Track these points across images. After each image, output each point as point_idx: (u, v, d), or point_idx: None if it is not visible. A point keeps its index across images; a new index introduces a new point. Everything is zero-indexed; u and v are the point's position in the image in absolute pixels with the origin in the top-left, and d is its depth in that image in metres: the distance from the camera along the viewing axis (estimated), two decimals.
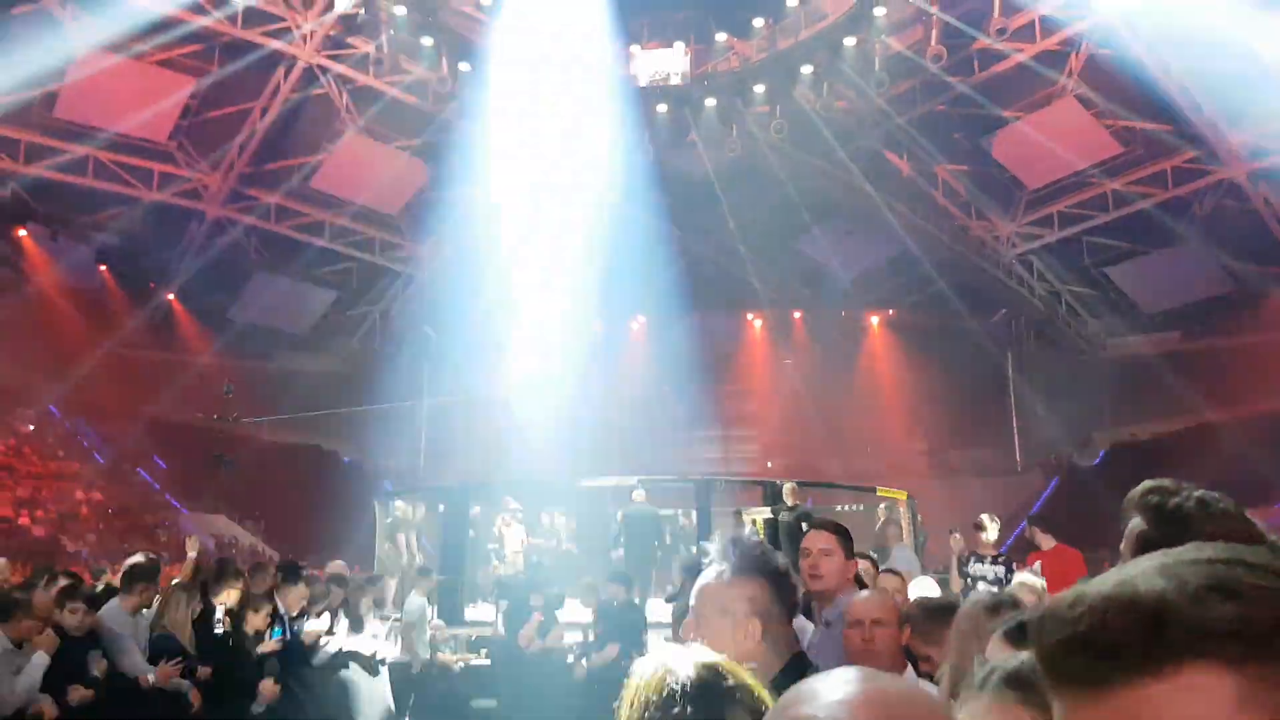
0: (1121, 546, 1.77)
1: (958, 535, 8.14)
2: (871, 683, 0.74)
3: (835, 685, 0.74)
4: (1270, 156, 21.04)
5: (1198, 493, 1.51)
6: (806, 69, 21.56)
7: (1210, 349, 24.88)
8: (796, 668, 1.97)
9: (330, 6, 21.56)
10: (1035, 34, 20.19)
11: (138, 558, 7.08)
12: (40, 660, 4.95)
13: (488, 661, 10.21)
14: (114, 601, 6.41)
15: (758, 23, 20.87)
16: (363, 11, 21.43)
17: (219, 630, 6.88)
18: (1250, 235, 22.60)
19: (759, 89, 22.28)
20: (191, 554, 8.86)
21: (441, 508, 13.27)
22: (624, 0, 20.21)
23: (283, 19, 21.64)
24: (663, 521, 12.95)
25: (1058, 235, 25.52)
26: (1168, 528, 1.45)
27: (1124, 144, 22.46)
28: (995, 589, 6.61)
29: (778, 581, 2.11)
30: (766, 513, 11.64)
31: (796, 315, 31.05)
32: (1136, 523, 1.53)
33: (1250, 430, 22.41)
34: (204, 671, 6.30)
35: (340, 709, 7.69)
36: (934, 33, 19.68)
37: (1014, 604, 2.65)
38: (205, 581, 7.36)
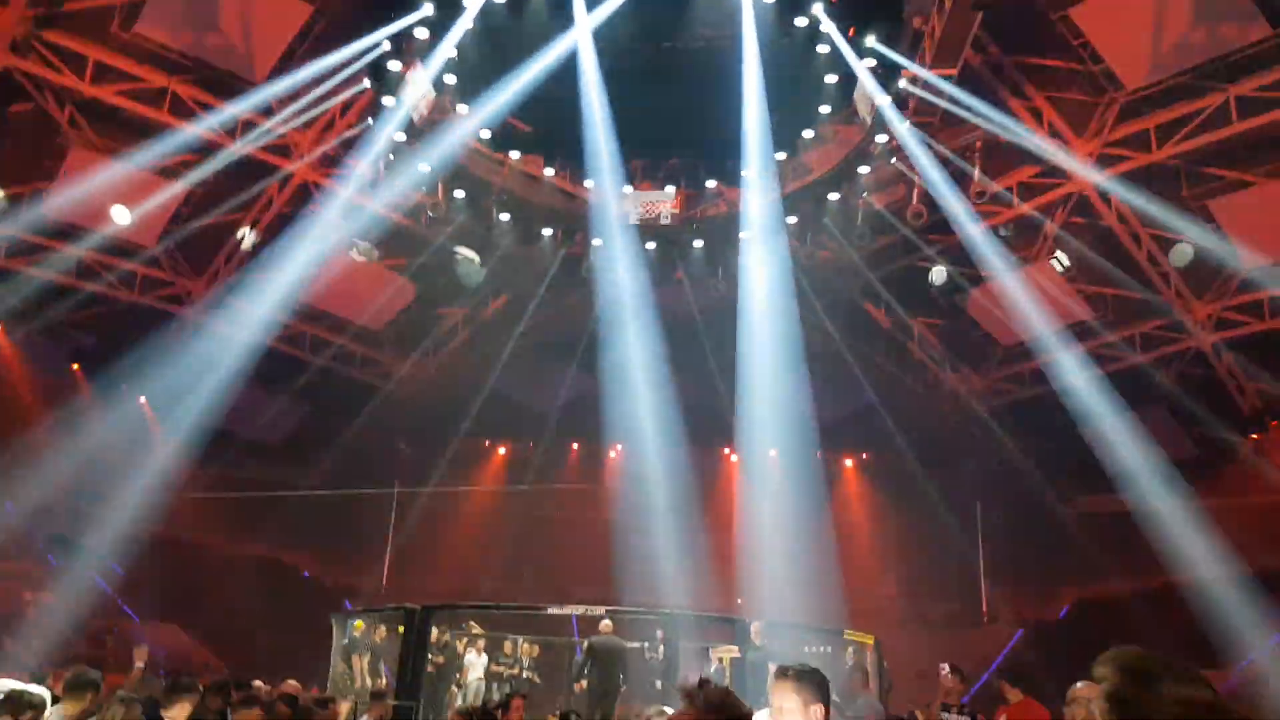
0: (1091, 701, 1.85)
1: (946, 673, 8.12)
2: None
3: None
4: (1235, 328, 21.89)
5: (1162, 658, 1.60)
6: (791, 219, 22.42)
7: (1168, 511, 25.12)
8: None
9: (331, 125, 22.26)
10: (1013, 199, 21.19)
11: (82, 669, 6.89)
12: None
13: None
14: (55, 710, 6.18)
15: (747, 174, 21.78)
16: (361, 133, 22.12)
17: None
18: (1215, 402, 23.25)
19: (745, 235, 23.07)
20: (139, 664, 8.59)
21: (400, 629, 12.92)
22: (620, 138, 21.04)
23: (283, 135, 22.25)
24: (629, 653, 12.68)
25: (1030, 392, 26.09)
26: (1135, 687, 1.54)
27: (1095, 309, 23.28)
28: None
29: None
30: (735, 651, 11.46)
31: (772, 454, 31.18)
32: (1107, 681, 1.62)
33: (1207, 593, 22.62)
34: None
35: None
36: (914, 193, 20.61)
37: None
38: (153, 695, 7.13)
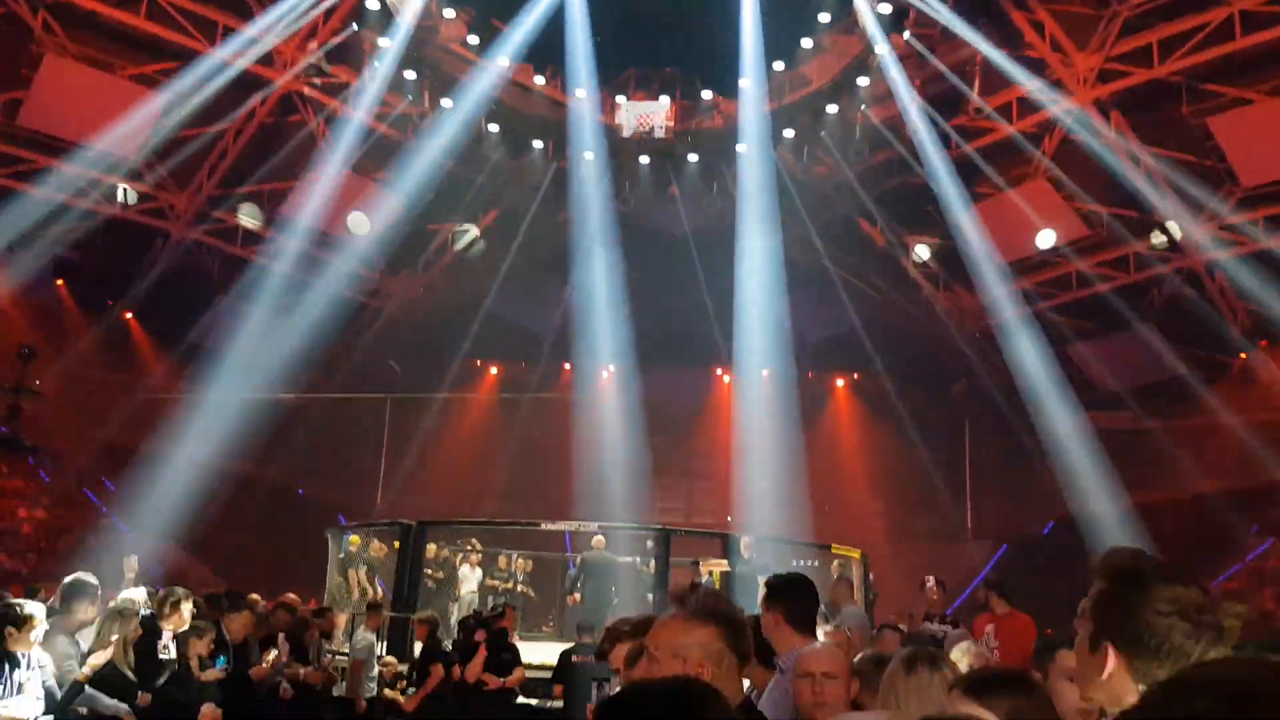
0: (1083, 604, 1.81)
1: (931, 585, 8.23)
2: None
3: None
4: (1228, 249, 21.76)
5: (1154, 560, 1.56)
6: (789, 133, 22.00)
7: (1162, 431, 25.43)
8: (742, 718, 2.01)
9: (314, 33, 21.64)
10: (1012, 115, 20.82)
11: (78, 575, 6.89)
12: None
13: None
14: (53, 621, 6.19)
15: (745, 84, 21.28)
16: (347, 41, 21.53)
17: (163, 656, 6.68)
18: (1205, 323, 23.26)
19: (742, 149, 22.67)
20: (129, 574, 8.62)
21: (397, 544, 13.02)
22: (613, 49, 20.50)
23: (265, 43, 21.64)
24: (620, 568, 12.85)
25: (1021, 312, 26.04)
26: (1122, 586, 1.50)
27: (1090, 227, 23.09)
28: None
29: (732, 629, 2.18)
30: (724, 565, 11.60)
31: (764, 373, 31.27)
32: (1098, 582, 1.58)
33: (1189, 511, 23.05)
34: (143, 698, 6.08)
35: None
36: (913, 108, 20.22)
37: (930, 660, 2.71)
38: (151, 608, 7.17)
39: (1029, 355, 27.35)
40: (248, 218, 24.74)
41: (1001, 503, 28.56)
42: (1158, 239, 21.39)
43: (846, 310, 27.90)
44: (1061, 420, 28.17)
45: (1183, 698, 0.54)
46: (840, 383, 31.09)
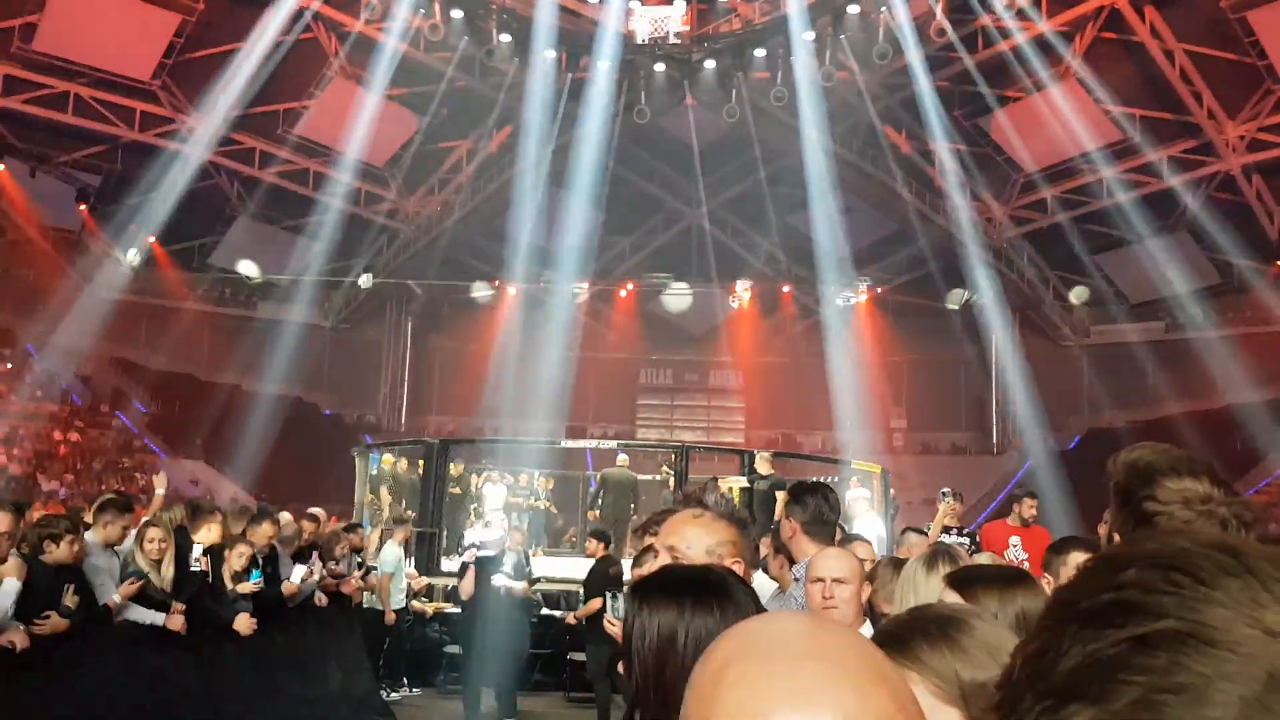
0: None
1: (950, 501, 8.12)
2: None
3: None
4: (1267, 150, 21.10)
5: (1173, 454, 1.49)
6: (809, 35, 21.27)
7: (1195, 340, 25.08)
8: None
9: None
10: (1041, 14, 20.05)
11: (108, 494, 7.03)
12: (11, 586, 4.85)
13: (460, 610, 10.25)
14: (90, 535, 6.32)
15: None
16: None
17: (196, 568, 6.81)
18: (1241, 229, 22.70)
19: (760, 54, 22.00)
20: (159, 490, 8.76)
21: (421, 462, 13.18)
22: None
23: None
24: (639, 485, 12.96)
25: (1050, 220, 25.54)
26: (1130, 480, 1.45)
27: (1123, 131, 22.42)
28: None
29: (747, 533, 2.19)
30: (743, 481, 11.65)
31: (785, 289, 31.02)
32: (1112, 478, 1.54)
33: (1222, 422, 22.81)
34: (177, 607, 6.21)
35: (315, 650, 7.67)
36: (939, 6, 19.49)
37: (950, 558, 2.68)
38: (182, 522, 7.28)
39: (1057, 264, 26.95)
40: (246, 271, 25.49)
41: (1027, 417, 28.41)
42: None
43: (870, 221, 27.46)
44: (1092, 331, 27.89)
45: (1111, 568, 0.50)
46: (863, 295, 30.77)
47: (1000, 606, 1.88)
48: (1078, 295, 26.71)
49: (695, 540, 2.05)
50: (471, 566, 8.56)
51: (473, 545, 8.97)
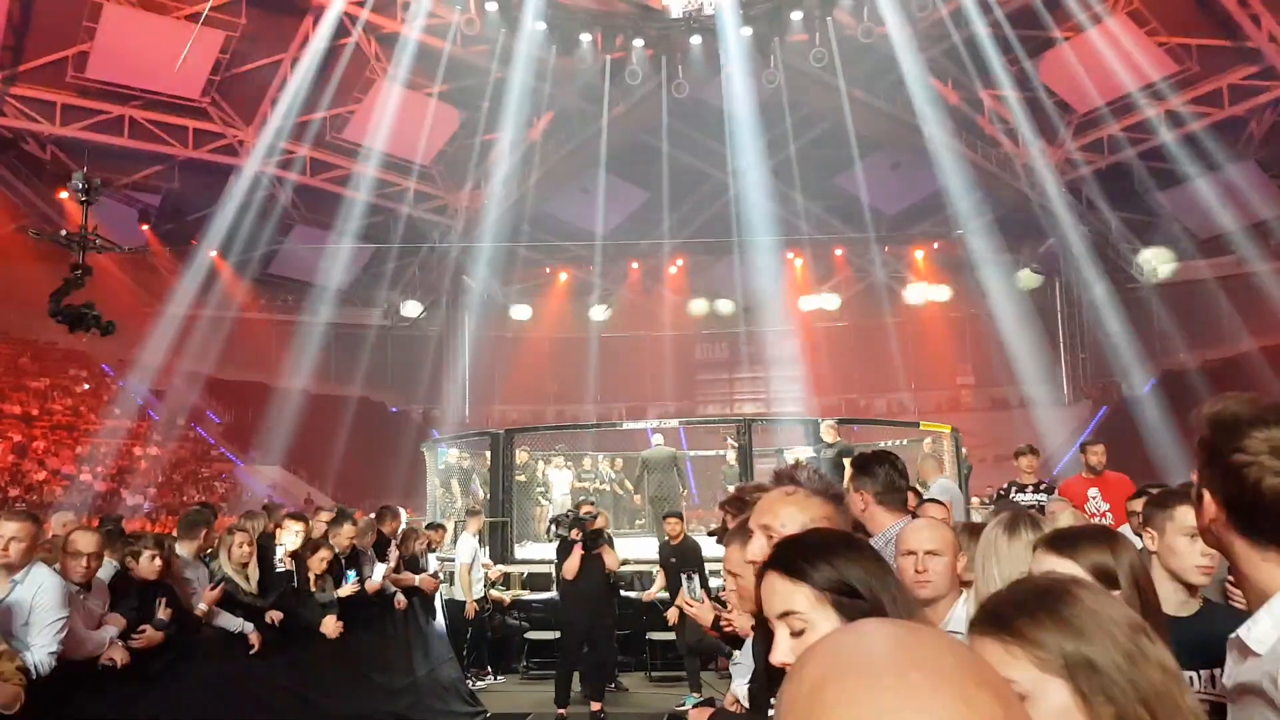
0: None
1: (1029, 457, 7.93)
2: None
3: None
4: None
5: (1260, 402, 1.44)
6: None
7: (1267, 273, 24.18)
8: None
9: None
10: None
11: (194, 507, 7.23)
12: (108, 633, 5.04)
13: (541, 596, 10.37)
14: (178, 547, 6.52)
15: None
16: None
17: (280, 569, 7.00)
18: None
19: (796, 16, 21.66)
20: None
21: (488, 453, 13.35)
22: None
23: None
24: (681, 461, 12.95)
25: (1108, 160, 24.77)
26: (1217, 432, 1.40)
27: (1178, 62, 21.61)
28: None
29: (843, 508, 2.12)
30: (809, 451, 11.55)
31: (838, 252, 30.64)
32: (1200, 431, 1.49)
33: None
34: (273, 615, 6.37)
35: (400, 642, 7.85)
36: None
37: (1032, 522, 2.60)
38: (267, 528, 7.47)
39: (1118, 204, 26.14)
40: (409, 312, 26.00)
41: (1098, 364, 27.72)
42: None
43: (921, 176, 26.91)
44: (1158, 271, 27.03)
45: None
46: (920, 253, 30.25)
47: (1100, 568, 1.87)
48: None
49: (789, 519, 2.02)
50: (578, 544, 8.35)
51: (576, 518, 8.68)
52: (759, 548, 2.06)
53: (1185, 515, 2.37)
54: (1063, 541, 1.99)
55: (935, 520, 3.03)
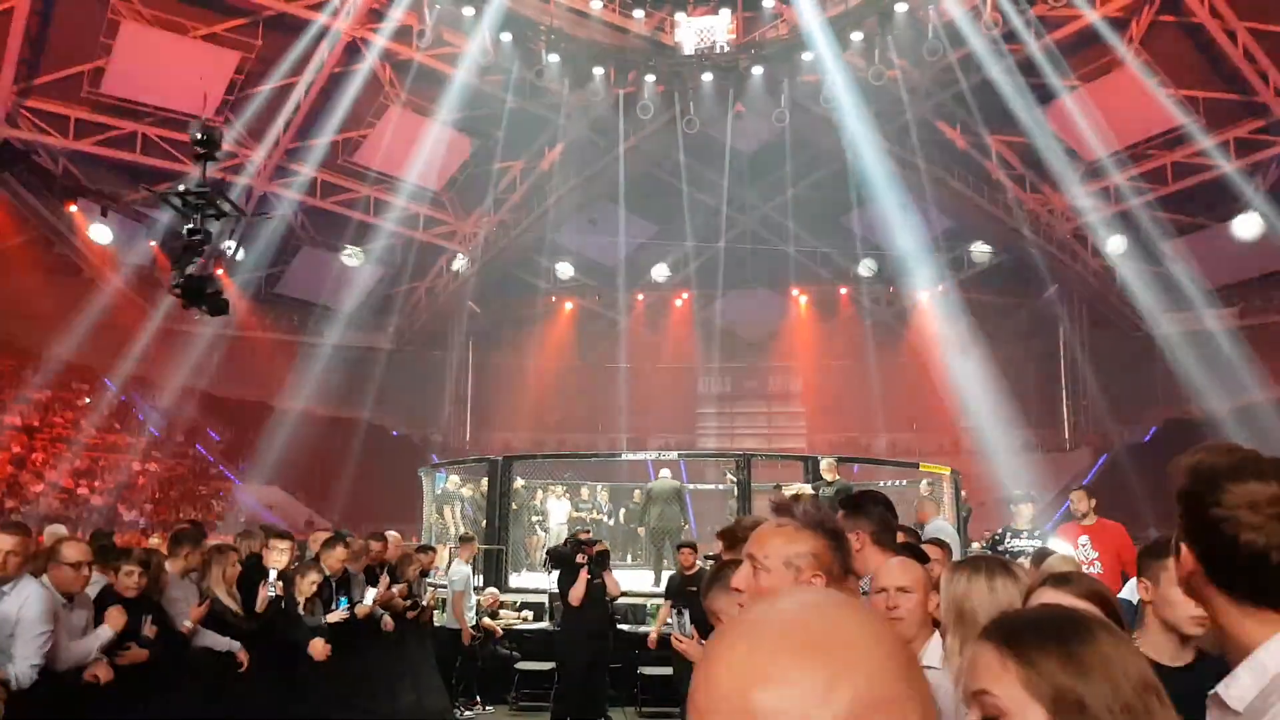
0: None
1: (1028, 504, 7.88)
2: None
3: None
4: None
5: (1239, 454, 1.41)
6: (856, 36, 21.11)
7: (1271, 326, 24.21)
8: None
9: None
10: (1094, 1, 19.63)
11: (183, 524, 7.20)
12: (106, 633, 5.00)
13: (533, 626, 10.27)
14: (168, 565, 6.48)
15: None
16: None
17: (272, 593, 6.94)
18: None
19: (807, 57, 21.90)
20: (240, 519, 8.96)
21: (485, 480, 13.31)
22: None
23: None
24: (686, 494, 12.87)
25: (1114, 209, 24.88)
26: (1194, 485, 1.38)
27: (1185, 114, 21.78)
28: None
29: (839, 541, 2.09)
30: (807, 489, 11.48)
31: (842, 291, 30.72)
32: (1178, 481, 1.47)
33: None
34: (241, 656, 6.23)
35: (387, 669, 7.76)
36: (988, 1, 19.20)
37: (1004, 568, 2.59)
38: (257, 547, 7.43)
39: (1126, 254, 26.21)
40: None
41: (1101, 410, 27.65)
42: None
43: (928, 219, 27.06)
44: (1163, 320, 27.03)
45: None
46: (924, 295, 30.29)
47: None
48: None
49: (774, 551, 2.00)
50: (584, 569, 8.17)
51: (578, 542, 8.47)
52: (744, 576, 2.05)
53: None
54: (1060, 578, 2.00)
55: (908, 559, 3.01)
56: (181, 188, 10.65)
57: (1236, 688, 1.27)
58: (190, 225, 10.29)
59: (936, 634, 2.76)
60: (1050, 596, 1.95)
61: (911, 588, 2.74)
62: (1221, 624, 1.34)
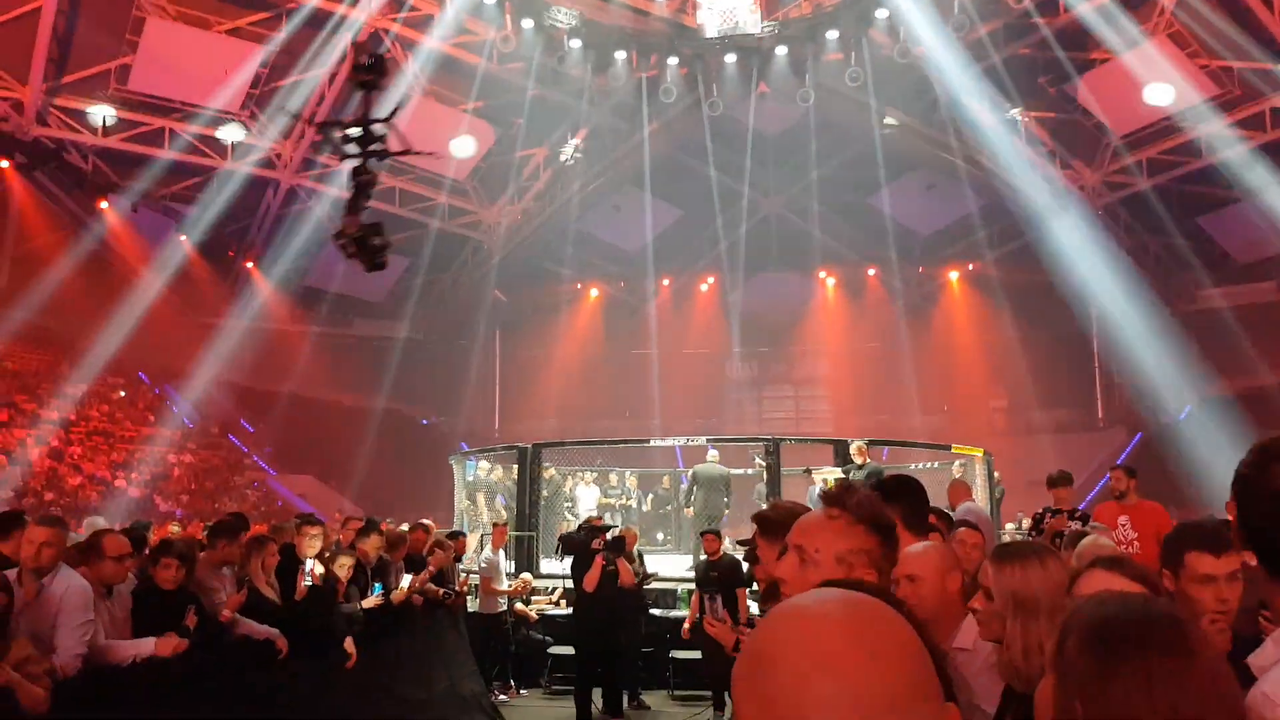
0: None
1: (1063, 486, 7.79)
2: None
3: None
4: None
5: None
6: (882, 13, 20.85)
7: None
8: None
9: None
10: None
11: (224, 517, 7.28)
12: (147, 648, 5.06)
13: (565, 611, 10.34)
14: (205, 556, 6.57)
15: None
16: None
17: (308, 581, 7.02)
18: None
19: (832, 35, 21.67)
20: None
21: (515, 467, 13.37)
22: None
23: None
24: (731, 479, 12.86)
25: (1147, 183, 24.47)
26: (1253, 469, 1.39)
27: (1219, 85, 21.33)
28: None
29: (890, 539, 2.01)
30: (837, 472, 11.44)
31: (871, 273, 30.50)
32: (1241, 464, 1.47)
33: None
34: (281, 644, 6.29)
35: (423, 653, 7.84)
36: None
37: (1046, 550, 2.56)
38: (292, 536, 7.50)
39: (1157, 228, 25.79)
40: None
41: (1134, 390, 27.29)
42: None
43: (957, 197, 26.75)
44: (1197, 297, 26.61)
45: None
46: (954, 275, 30.02)
47: None
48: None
49: (825, 545, 1.92)
50: (600, 555, 8.23)
51: (601, 528, 8.49)
52: (789, 567, 1.99)
53: (1195, 563, 2.32)
54: (1111, 561, 2.02)
55: (929, 546, 2.98)
56: (341, 119, 9.60)
57: (1262, 656, 1.33)
58: (356, 166, 9.37)
59: (970, 617, 2.72)
60: (1102, 579, 1.95)
61: (920, 575, 2.71)
62: (1268, 595, 1.36)
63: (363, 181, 9.40)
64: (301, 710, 6.08)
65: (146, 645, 5.01)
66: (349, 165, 9.49)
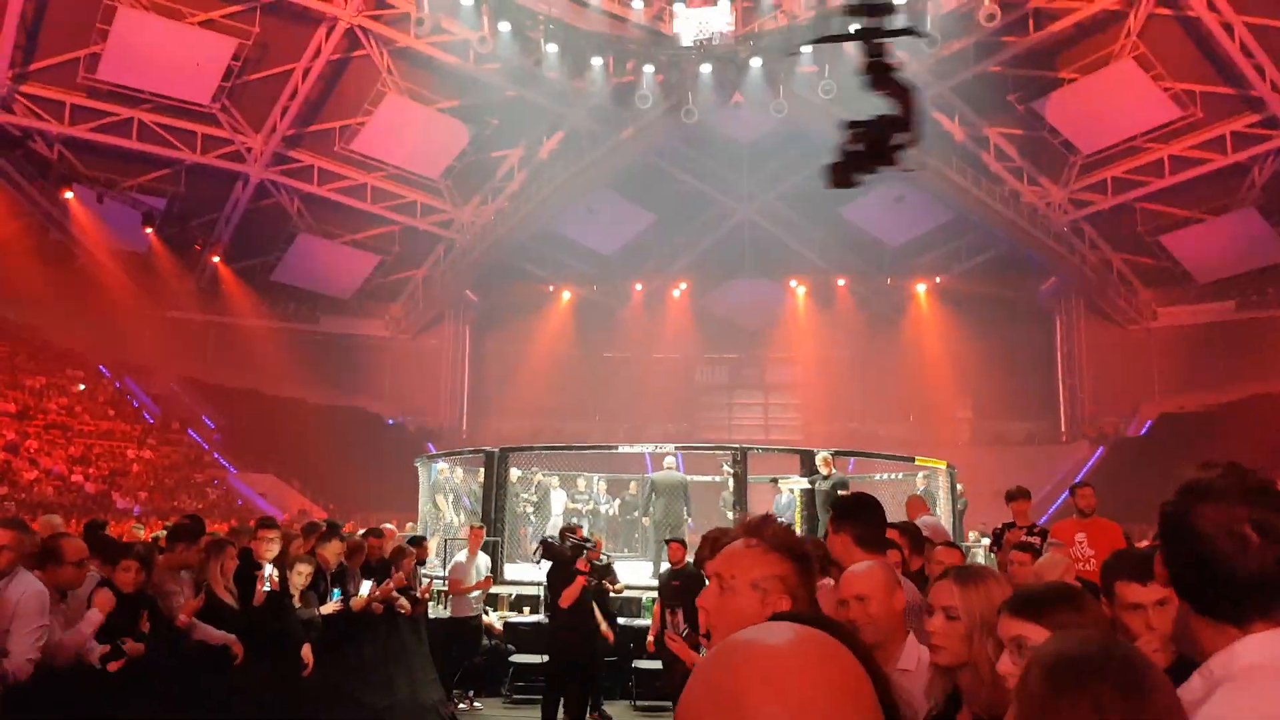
0: None
1: (1020, 501, 7.87)
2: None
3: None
4: None
5: (1226, 474, 1.45)
6: (855, 27, 21.00)
7: (1266, 320, 24.26)
8: None
9: None
10: None
11: (182, 518, 7.18)
12: (96, 617, 4.99)
13: (528, 619, 10.27)
14: (163, 559, 6.48)
15: None
16: None
17: (266, 587, 6.93)
18: None
19: (806, 48, 21.83)
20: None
21: (481, 471, 13.30)
22: None
23: None
24: (689, 488, 12.85)
25: (1111, 201, 24.90)
26: (1179, 505, 1.43)
27: (1182, 108, 21.77)
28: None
29: (807, 567, 2.07)
30: (804, 482, 11.47)
31: (841, 282, 30.71)
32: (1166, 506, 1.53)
33: None
34: (236, 649, 6.22)
35: (383, 660, 7.77)
36: None
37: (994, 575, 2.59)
38: (249, 541, 7.42)
39: (1120, 247, 26.25)
40: None
41: (1097, 403, 27.73)
42: None
43: (925, 211, 27.02)
44: (1159, 313, 27.09)
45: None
46: (922, 287, 30.30)
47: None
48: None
49: (741, 571, 1.97)
50: (581, 576, 8.14)
51: (577, 546, 8.36)
52: (710, 594, 2.04)
53: (1124, 591, 2.38)
54: (1029, 605, 1.97)
55: (869, 563, 2.99)
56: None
57: (1188, 692, 1.35)
58: (875, 59, 8.42)
59: (911, 637, 2.75)
60: (1020, 628, 1.97)
61: (868, 595, 2.73)
62: (1191, 631, 1.40)
63: (875, 63, 8.45)
64: (258, 715, 6.01)
65: (89, 621, 4.94)
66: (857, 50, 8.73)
